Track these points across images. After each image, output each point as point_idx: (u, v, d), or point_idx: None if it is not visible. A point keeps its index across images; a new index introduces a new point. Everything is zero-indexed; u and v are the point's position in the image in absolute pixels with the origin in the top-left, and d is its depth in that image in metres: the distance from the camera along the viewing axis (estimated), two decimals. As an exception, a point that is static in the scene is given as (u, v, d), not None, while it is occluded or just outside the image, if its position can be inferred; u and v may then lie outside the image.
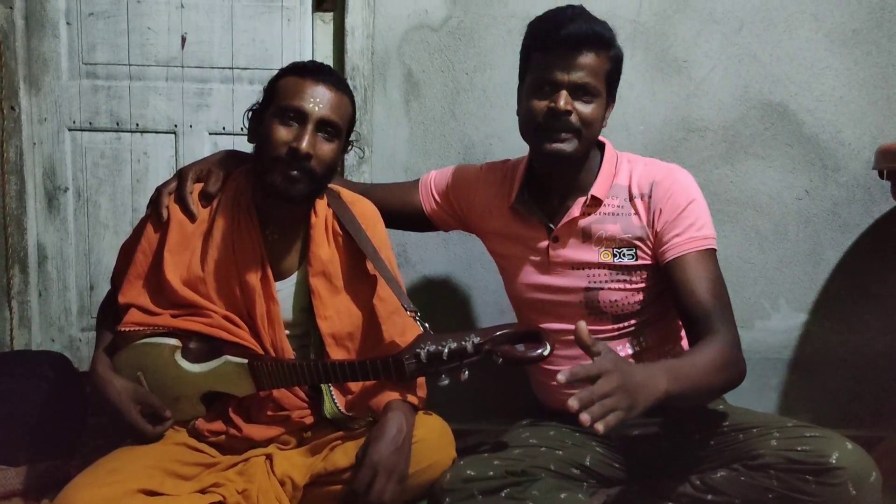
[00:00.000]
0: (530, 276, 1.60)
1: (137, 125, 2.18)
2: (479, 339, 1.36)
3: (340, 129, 1.47)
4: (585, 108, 1.45)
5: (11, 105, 2.13)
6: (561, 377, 1.13)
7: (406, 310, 1.51)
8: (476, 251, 2.15)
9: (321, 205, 1.54)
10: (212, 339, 1.46)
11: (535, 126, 1.47)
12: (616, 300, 1.54)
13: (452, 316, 2.16)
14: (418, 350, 1.38)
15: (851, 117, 2.10)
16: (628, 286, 1.54)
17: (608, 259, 1.53)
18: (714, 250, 1.50)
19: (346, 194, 1.61)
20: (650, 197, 1.52)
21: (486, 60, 2.09)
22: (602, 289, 1.54)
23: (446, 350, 1.36)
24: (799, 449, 1.31)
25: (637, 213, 1.53)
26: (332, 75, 1.47)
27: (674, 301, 1.50)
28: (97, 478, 1.32)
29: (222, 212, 1.50)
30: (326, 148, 1.44)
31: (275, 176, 1.42)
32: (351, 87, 1.52)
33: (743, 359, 1.42)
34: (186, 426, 1.49)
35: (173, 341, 1.46)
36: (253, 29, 2.15)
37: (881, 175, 1.95)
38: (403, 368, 1.38)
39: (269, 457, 1.47)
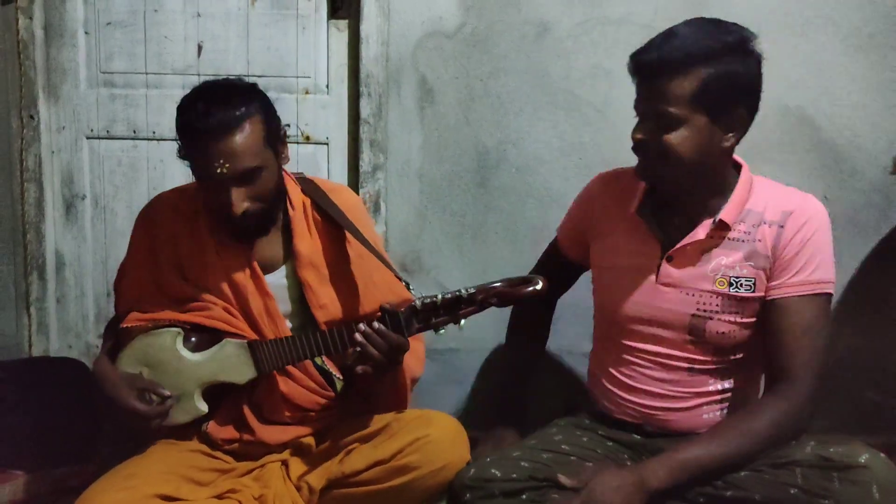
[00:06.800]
0: (634, 293, 1.50)
1: (154, 133, 2.20)
2: (474, 289, 1.39)
3: (260, 165, 1.40)
4: (669, 136, 1.37)
5: (30, 114, 2.15)
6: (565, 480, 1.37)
7: (399, 280, 1.52)
8: (491, 258, 2.15)
9: (296, 195, 1.54)
10: (213, 332, 1.47)
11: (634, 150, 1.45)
12: (724, 332, 1.44)
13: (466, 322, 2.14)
14: (414, 302, 1.39)
15: (869, 122, 2.08)
16: (739, 319, 1.44)
17: (723, 288, 1.43)
18: (826, 295, 1.41)
19: (324, 182, 1.61)
20: (781, 227, 1.42)
21: (500, 67, 2.09)
22: (711, 318, 1.44)
23: (440, 298, 1.37)
24: (831, 449, 1.32)
25: (763, 240, 1.43)
26: (222, 114, 1.37)
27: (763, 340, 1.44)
28: (114, 483, 1.33)
29: (204, 214, 1.51)
30: (257, 188, 1.40)
31: (223, 226, 1.44)
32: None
33: (809, 413, 1.39)
34: (196, 432, 1.49)
35: (175, 329, 1.47)
36: (268, 37, 2.16)
37: (900, 180, 1.93)
38: (399, 320, 1.38)
39: (284, 462, 1.47)
